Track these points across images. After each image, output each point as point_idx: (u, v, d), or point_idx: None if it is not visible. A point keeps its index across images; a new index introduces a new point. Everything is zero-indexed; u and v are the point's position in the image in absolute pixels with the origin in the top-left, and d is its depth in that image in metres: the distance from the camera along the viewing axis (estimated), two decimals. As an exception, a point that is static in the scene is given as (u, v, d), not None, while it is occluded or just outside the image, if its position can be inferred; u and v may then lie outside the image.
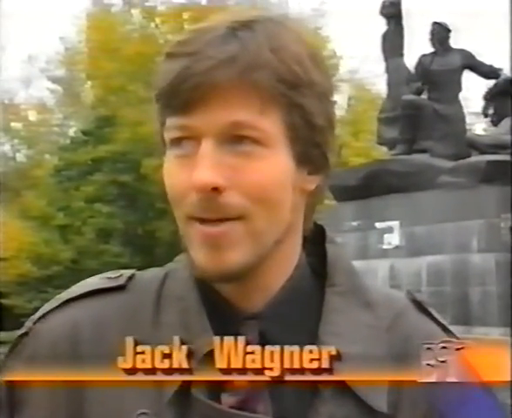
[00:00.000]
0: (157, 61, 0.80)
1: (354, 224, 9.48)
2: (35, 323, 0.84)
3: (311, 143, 0.79)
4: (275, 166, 0.76)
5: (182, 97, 0.74)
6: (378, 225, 9.10)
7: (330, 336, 0.78)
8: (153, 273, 0.87)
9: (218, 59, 0.74)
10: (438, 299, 8.13)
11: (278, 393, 0.77)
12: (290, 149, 0.77)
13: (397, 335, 0.81)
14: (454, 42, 9.98)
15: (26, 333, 0.83)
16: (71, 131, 27.04)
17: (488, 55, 12.26)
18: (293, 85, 0.76)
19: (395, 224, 8.91)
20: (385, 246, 9.01)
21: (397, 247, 8.87)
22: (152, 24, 24.60)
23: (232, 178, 0.74)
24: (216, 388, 0.77)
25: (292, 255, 0.82)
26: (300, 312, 0.81)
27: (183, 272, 0.83)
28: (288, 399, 0.78)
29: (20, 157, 27.88)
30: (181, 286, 0.82)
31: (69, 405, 0.79)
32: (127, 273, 0.86)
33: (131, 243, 21.58)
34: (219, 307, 0.80)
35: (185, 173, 0.76)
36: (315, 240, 0.85)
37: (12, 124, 27.13)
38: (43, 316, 0.84)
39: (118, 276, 0.86)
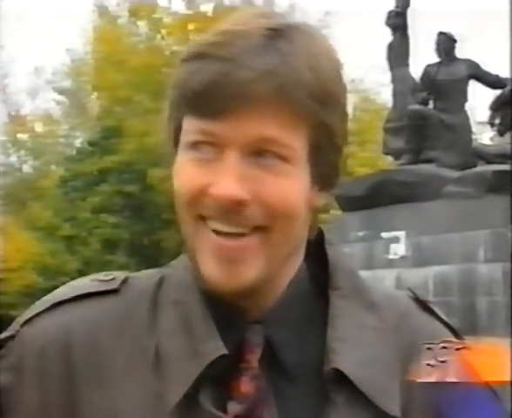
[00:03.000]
0: (172, 65, 0.76)
1: (360, 234, 9.46)
2: (22, 326, 0.79)
3: (328, 162, 0.78)
4: (296, 183, 0.75)
5: (216, 103, 0.71)
6: (384, 235, 9.07)
7: (338, 342, 0.77)
8: (147, 277, 0.83)
9: (260, 71, 0.71)
10: (445, 309, 8.05)
11: (285, 400, 0.76)
12: (309, 166, 0.76)
13: (403, 336, 0.81)
14: (461, 51, 10.00)
15: (12, 337, 0.79)
16: (77, 142, 27.12)
17: (495, 63, 12.24)
18: (323, 104, 0.75)
19: (401, 234, 8.89)
20: (391, 256, 8.98)
21: (403, 257, 8.84)
22: (158, 36, 24.70)
23: (255, 190, 0.72)
24: (222, 396, 0.75)
25: (297, 263, 0.81)
26: (304, 315, 0.80)
27: (181, 275, 0.80)
28: (296, 406, 0.76)
29: (26, 168, 27.97)
30: (181, 290, 0.79)
31: (60, 415, 0.76)
32: (120, 276, 0.83)
33: (137, 253, 21.57)
34: (223, 312, 0.77)
35: (202, 176, 0.73)
36: (313, 243, 0.83)
37: (19, 135, 27.22)
38: (32, 319, 0.79)
39: (111, 279, 0.82)
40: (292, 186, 0.74)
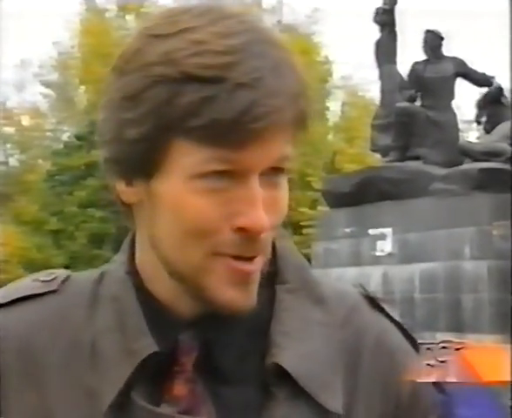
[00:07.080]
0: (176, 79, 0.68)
1: (347, 230, 9.49)
2: None
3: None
4: (287, 193, 0.75)
5: (243, 132, 0.68)
6: (371, 231, 9.11)
7: (282, 336, 0.76)
8: (89, 274, 0.82)
9: (287, 95, 0.70)
10: (430, 306, 8.14)
11: (223, 402, 0.74)
12: None
13: (349, 332, 0.79)
14: (448, 49, 10.05)
15: None
16: (65, 136, 27.01)
17: (483, 61, 12.30)
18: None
19: (388, 231, 8.93)
20: (378, 253, 9.02)
21: (390, 254, 8.89)
22: (146, 30, 24.60)
23: (269, 212, 0.71)
24: (157, 397, 0.73)
25: None
26: (249, 312, 0.76)
27: (119, 271, 0.79)
28: (236, 407, 0.74)
29: (13, 161, 27.83)
30: (117, 287, 0.78)
31: None
32: (62, 275, 0.82)
33: (123, 248, 21.54)
34: (158, 311, 0.76)
35: (220, 208, 0.70)
36: None
37: (5, 128, 27.09)
38: None
39: (52, 279, 0.81)
40: (287, 197, 0.74)
